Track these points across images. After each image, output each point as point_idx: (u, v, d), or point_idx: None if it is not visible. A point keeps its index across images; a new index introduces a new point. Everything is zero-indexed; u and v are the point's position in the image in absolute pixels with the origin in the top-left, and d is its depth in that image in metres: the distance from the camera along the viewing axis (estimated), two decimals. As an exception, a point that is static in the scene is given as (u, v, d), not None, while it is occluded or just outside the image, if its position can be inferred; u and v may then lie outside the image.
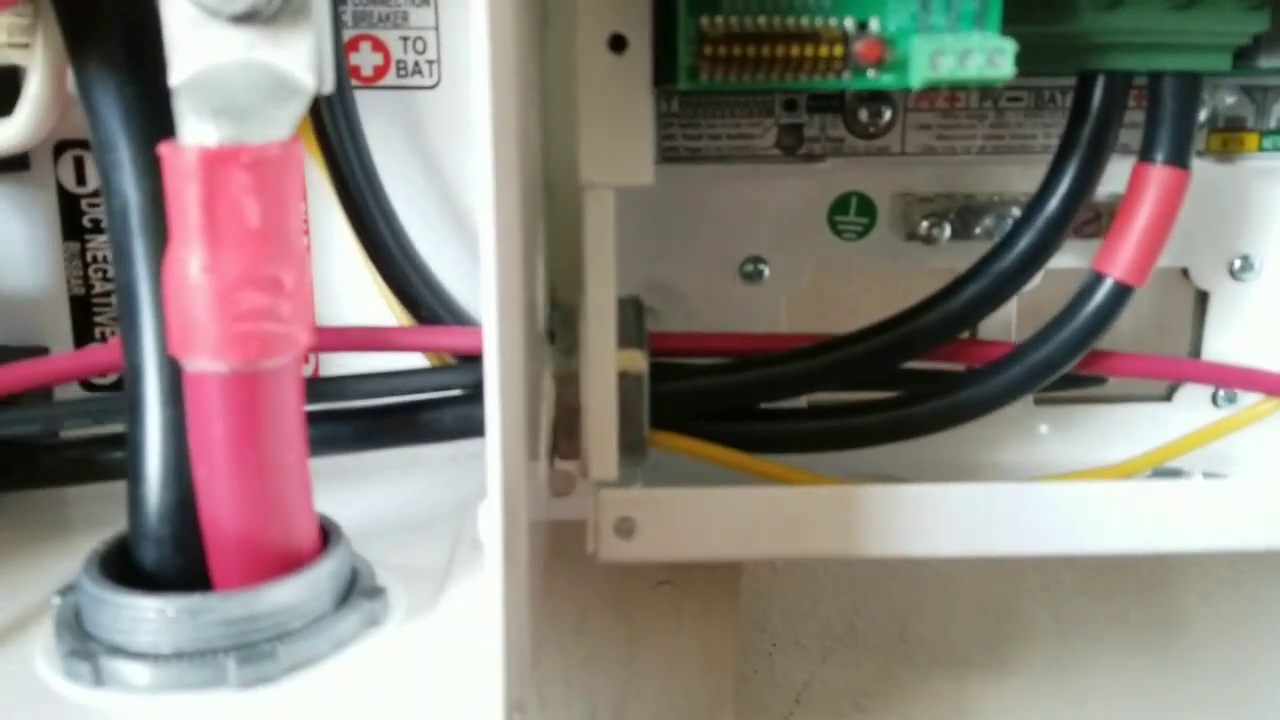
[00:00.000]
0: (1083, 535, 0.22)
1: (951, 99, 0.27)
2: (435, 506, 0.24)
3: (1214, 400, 0.28)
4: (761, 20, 0.19)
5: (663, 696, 0.33)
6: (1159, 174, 0.22)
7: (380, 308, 0.25)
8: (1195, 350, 0.29)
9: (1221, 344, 0.28)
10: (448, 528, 0.22)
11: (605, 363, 0.21)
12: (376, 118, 0.25)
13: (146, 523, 0.17)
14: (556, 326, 0.24)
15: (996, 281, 0.24)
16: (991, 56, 0.18)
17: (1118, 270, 0.23)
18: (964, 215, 0.26)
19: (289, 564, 0.17)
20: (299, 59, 0.15)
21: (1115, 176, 0.23)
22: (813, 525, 0.22)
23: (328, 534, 0.18)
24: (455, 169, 0.26)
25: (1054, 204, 0.23)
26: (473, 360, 0.23)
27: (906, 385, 0.25)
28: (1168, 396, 0.29)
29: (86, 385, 0.27)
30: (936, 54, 0.18)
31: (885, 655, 0.36)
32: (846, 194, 0.27)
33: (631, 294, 0.23)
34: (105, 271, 0.26)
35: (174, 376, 0.17)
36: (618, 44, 0.19)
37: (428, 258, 0.25)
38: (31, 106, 0.19)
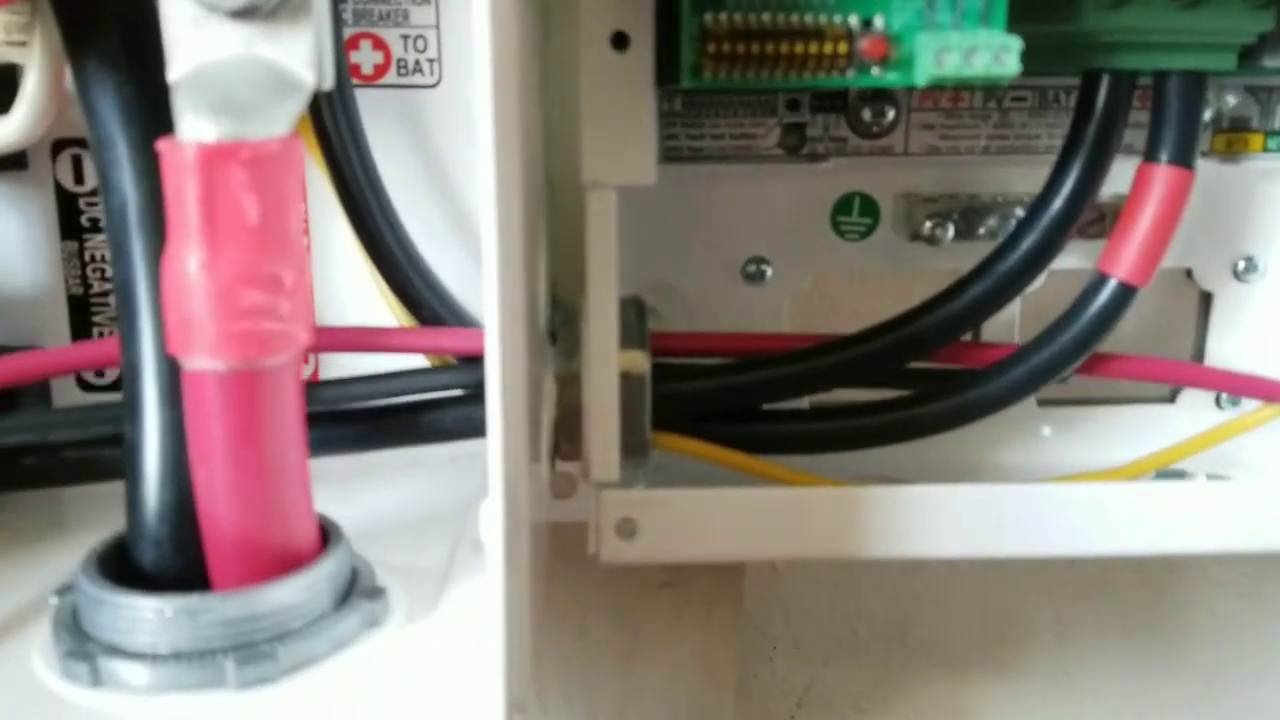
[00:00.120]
0: (1086, 537, 0.22)
1: (955, 99, 0.27)
2: (436, 507, 0.23)
3: (1217, 403, 0.28)
4: (766, 17, 0.19)
5: (663, 699, 0.33)
6: (1163, 174, 0.22)
7: (381, 308, 0.25)
8: (1199, 352, 0.28)
9: (1225, 345, 0.28)
10: (448, 528, 0.22)
11: (607, 363, 0.21)
12: (377, 116, 0.25)
13: (145, 522, 0.17)
14: (558, 327, 0.24)
15: (1000, 282, 0.24)
16: (997, 54, 0.18)
17: (1122, 271, 0.23)
18: (967, 216, 0.26)
19: (288, 564, 0.17)
20: (298, 55, 0.15)
21: (1119, 177, 0.23)
22: (815, 526, 0.22)
23: (327, 534, 0.18)
24: (456, 168, 0.26)
25: (1058, 204, 0.23)
26: (474, 360, 0.23)
27: (911, 384, 0.25)
28: (1171, 398, 0.29)
29: (83, 384, 0.27)
30: (942, 51, 0.18)
31: (887, 658, 0.36)
32: (849, 194, 0.27)
33: (633, 294, 0.23)
34: (103, 271, 0.26)
35: (173, 375, 0.16)
36: (620, 42, 0.19)
37: (429, 257, 0.25)
38: (29, 105, 0.19)
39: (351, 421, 0.23)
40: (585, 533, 0.21)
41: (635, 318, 0.22)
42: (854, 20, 0.19)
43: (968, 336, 0.25)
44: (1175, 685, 0.36)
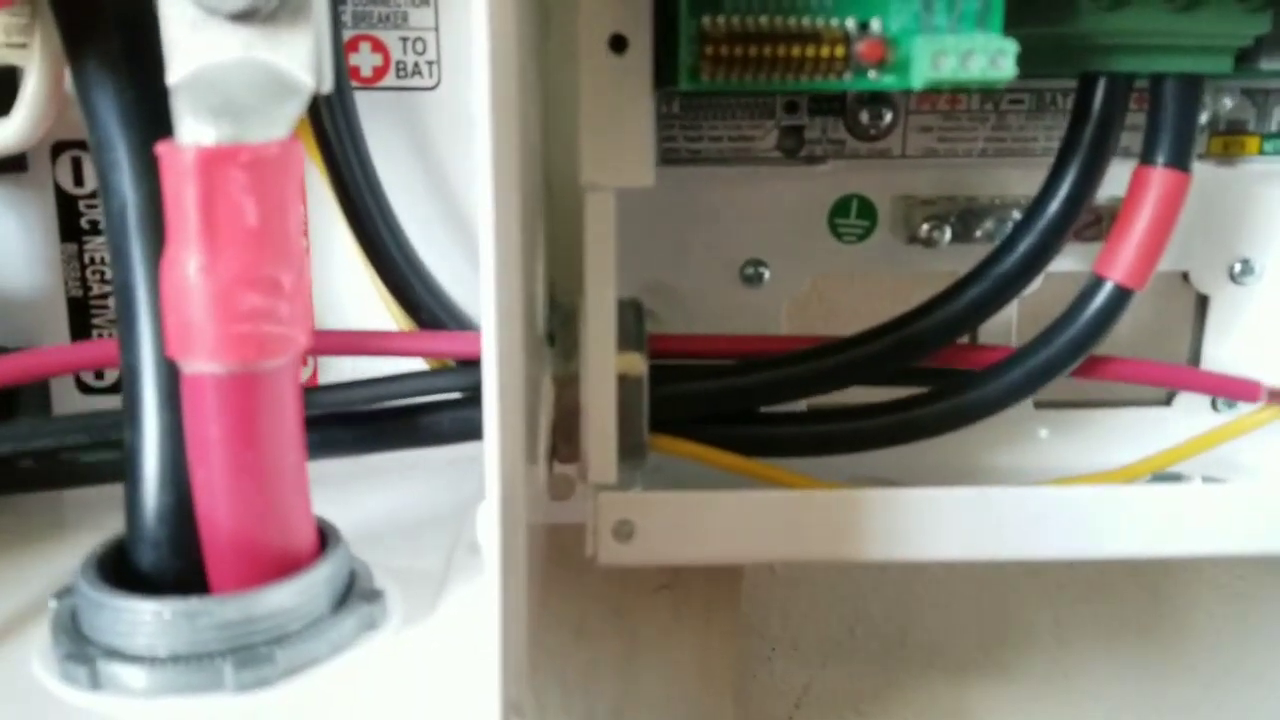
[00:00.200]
0: (1083, 539, 0.22)
1: (953, 101, 0.27)
2: (434, 510, 0.23)
3: (1214, 405, 0.28)
4: (763, 20, 0.19)
5: (661, 701, 0.33)
6: (1160, 177, 0.22)
7: (380, 311, 0.25)
8: (1195, 354, 0.28)
9: (1222, 348, 0.28)
10: (446, 531, 0.22)
11: (605, 365, 0.21)
12: (376, 119, 0.25)
13: (144, 525, 0.17)
14: (556, 329, 0.24)
15: (997, 284, 0.24)
16: (994, 57, 0.18)
17: (1118, 273, 0.23)
18: (965, 218, 0.26)
19: (286, 567, 0.17)
20: (297, 58, 0.15)
21: (1116, 179, 0.23)
22: (812, 529, 0.22)
23: (325, 537, 0.18)
24: (456, 170, 0.26)
25: (1055, 207, 0.23)
26: (472, 363, 0.23)
27: (911, 382, 0.25)
28: (1168, 401, 0.29)
29: (82, 386, 0.27)
30: (938, 54, 0.18)
31: (885, 660, 0.36)
32: (847, 196, 0.27)
33: (631, 296, 0.23)
34: (103, 273, 0.26)
35: (172, 378, 0.16)
36: (619, 44, 0.19)
37: (428, 260, 0.25)
38: (29, 107, 0.19)
39: (350, 424, 0.23)
40: (583, 534, 0.21)
41: (633, 320, 0.22)
42: (851, 23, 0.19)
43: (965, 339, 0.25)
44: (1173, 687, 0.36)
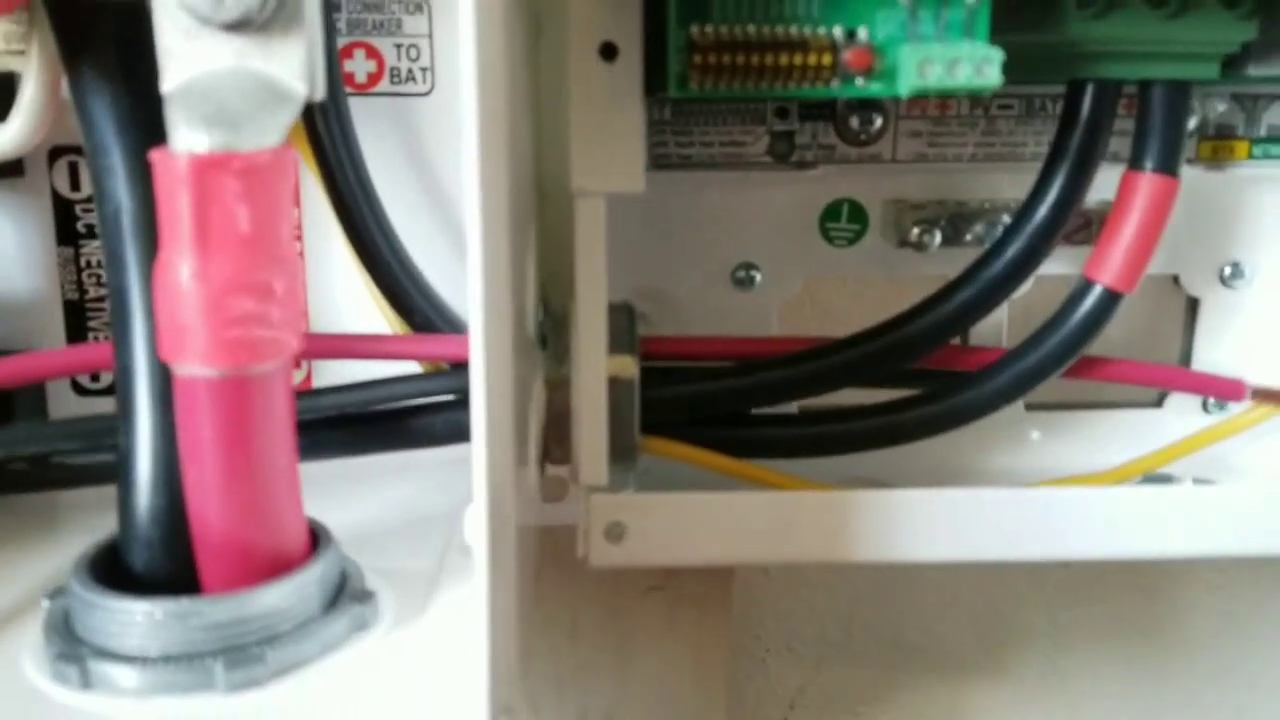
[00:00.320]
0: (1074, 541, 0.22)
1: (942, 107, 0.27)
2: (426, 511, 0.24)
3: (1204, 407, 0.28)
4: (751, 29, 0.19)
5: (655, 703, 0.33)
6: (1148, 182, 0.22)
7: (376, 315, 0.25)
8: (1186, 357, 0.29)
9: (1212, 351, 0.28)
10: (438, 532, 0.22)
11: (596, 368, 0.21)
12: (371, 125, 0.25)
13: (136, 526, 0.17)
14: (548, 332, 0.24)
15: (987, 288, 0.24)
16: (979, 66, 0.18)
17: (1107, 277, 0.23)
18: (955, 222, 0.26)
19: (278, 568, 0.17)
20: (290, 66, 0.15)
21: (1105, 184, 0.23)
22: (804, 530, 0.22)
23: (317, 538, 0.18)
24: (449, 176, 0.26)
25: (1044, 211, 0.23)
26: (465, 366, 0.23)
27: (902, 383, 0.25)
28: (1158, 403, 0.29)
29: (78, 388, 0.27)
30: (924, 63, 0.18)
31: (880, 661, 0.36)
32: (838, 201, 0.27)
33: (623, 300, 0.23)
34: (99, 277, 0.26)
35: (165, 381, 0.17)
36: (609, 52, 0.19)
37: (422, 264, 0.25)
38: (26, 113, 0.19)
39: (343, 426, 0.23)
40: (576, 536, 0.22)
41: (625, 323, 0.22)
42: (838, 32, 0.19)
43: (956, 341, 0.25)
44: (1169, 687, 0.36)
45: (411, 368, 0.25)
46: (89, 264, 0.26)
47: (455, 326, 0.25)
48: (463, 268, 0.27)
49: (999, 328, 0.27)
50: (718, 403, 0.24)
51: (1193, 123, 0.27)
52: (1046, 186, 0.23)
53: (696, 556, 0.22)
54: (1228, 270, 0.28)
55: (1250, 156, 0.27)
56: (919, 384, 0.25)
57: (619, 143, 0.20)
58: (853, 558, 0.22)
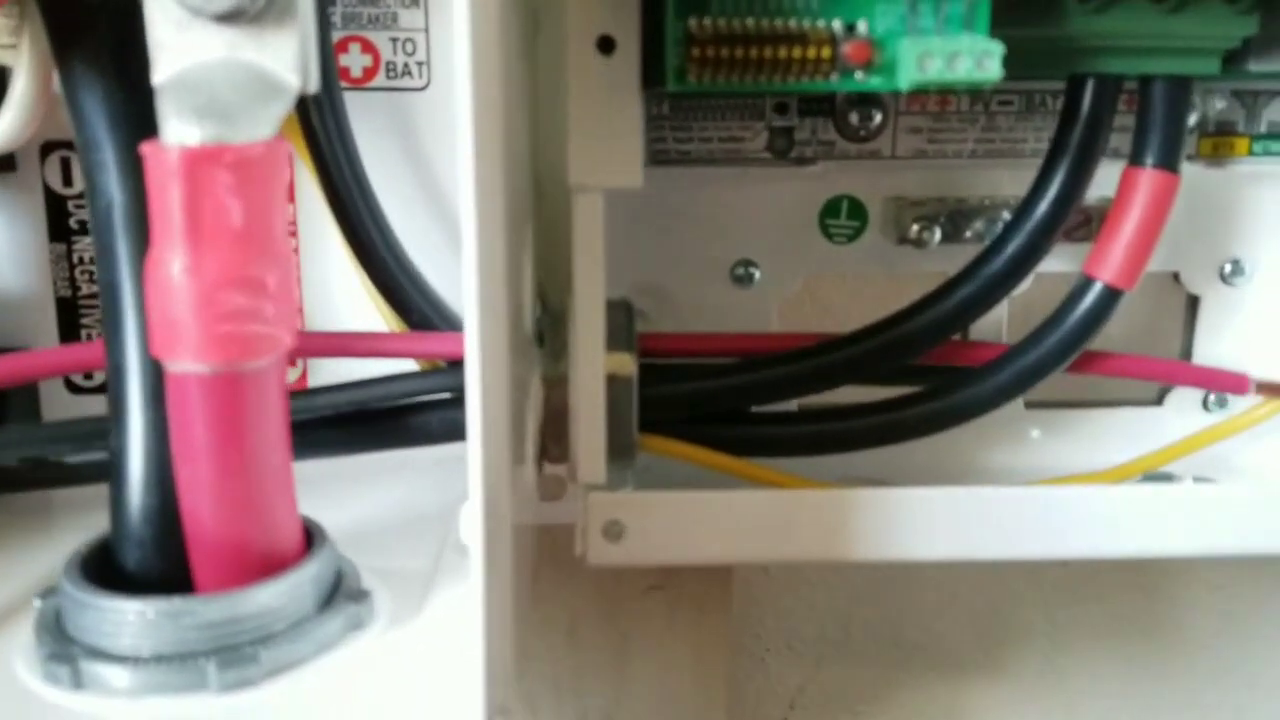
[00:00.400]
0: (1073, 539, 0.22)
1: (942, 102, 0.27)
2: (422, 510, 0.23)
3: (1205, 405, 0.28)
4: (749, 22, 0.19)
5: (654, 703, 0.33)
6: (1149, 178, 0.22)
7: (372, 312, 0.25)
8: (1186, 354, 0.29)
9: (1212, 348, 0.28)
10: (434, 531, 0.22)
11: (593, 366, 0.21)
12: (366, 119, 0.25)
13: (129, 524, 0.17)
14: (546, 329, 0.24)
15: (987, 284, 0.24)
16: (979, 59, 0.18)
17: (1107, 274, 0.23)
18: (954, 219, 0.26)
19: (272, 567, 0.17)
20: (283, 58, 0.15)
21: (1106, 180, 0.23)
22: (803, 529, 0.22)
23: (312, 537, 0.18)
24: (445, 171, 0.26)
25: (1044, 208, 0.23)
26: (462, 363, 0.23)
27: (902, 381, 0.25)
28: (1158, 401, 0.29)
29: (71, 386, 0.27)
30: (924, 56, 0.18)
31: (880, 660, 0.36)
32: (837, 197, 0.27)
33: (621, 297, 0.23)
34: (92, 273, 0.26)
35: (157, 378, 0.16)
36: (606, 45, 0.19)
37: (419, 261, 0.25)
38: (17, 107, 0.19)
39: (338, 424, 0.23)
40: (574, 535, 0.21)
41: (623, 320, 0.22)
42: (837, 25, 0.19)
43: (956, 338, 0.25)
44: (1169, 687, 0.36)
45: (408, 365, 0.24)
46: (82, 260, 0.26)
47: (452, 324, 0.24)
48: (458, 264, 0.27)
49: (999, 325, 0.27)
50: (717, 400, 0.24)
51: (1193, 119, 0.26)
52: (1046, 183, 0.23)
53: (696, 555, 0.22)
54: (1228, 267, 0.27)
55: (1251, 153, 0.27)
56: (920, 380, 0.25)
57: (617, 137, 0.19)
58: (852, 557, 0.22)
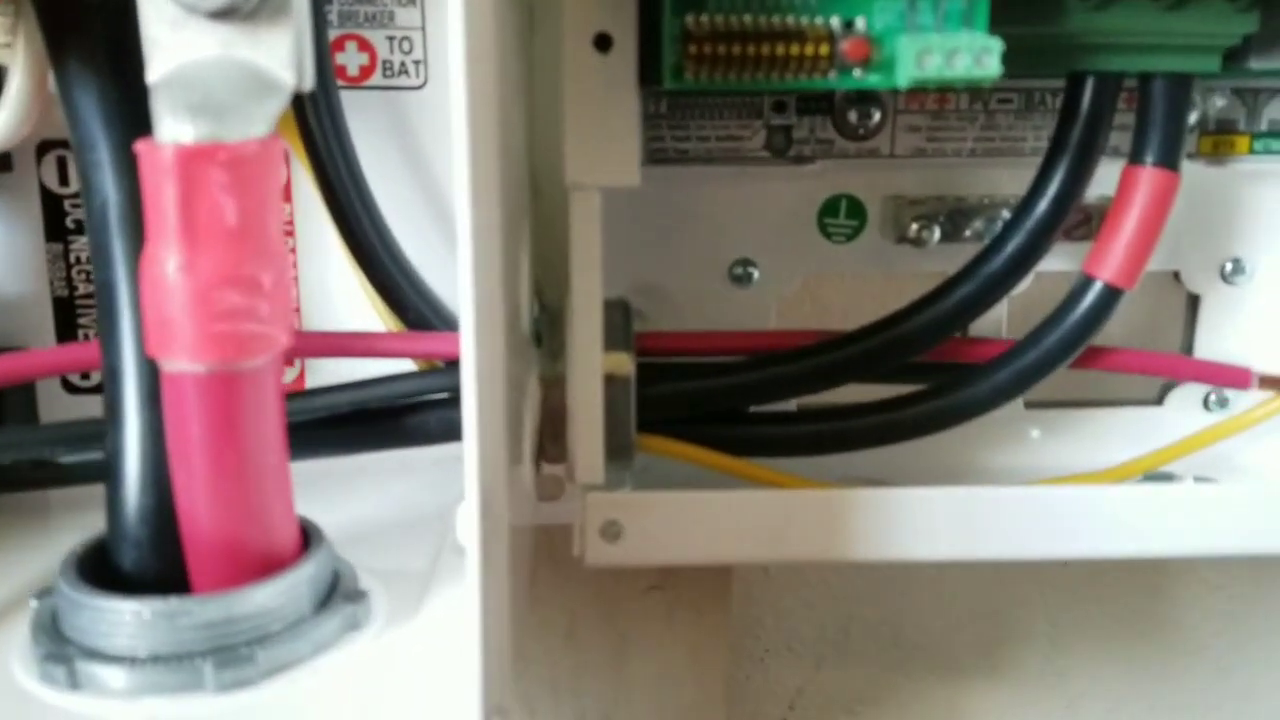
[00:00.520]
0: (1074, 539, 0.22)
1: (941, 101, 0.27)
2: (420, 510, 0.23)
3: (1205, 404, 0.28)
4: (747, 19, 0.19)
5: (653, 703, 0.33)
6: (1149, 176, 0.22)
7: (369, 311, 0.25)
8: (1187, 353, 0.28)
9: (1213, 348, 0.28)
10: (432, 531, 0.22)
11: (591, 365, 0.20)
12: (362, 118, 0.25)
13: (125, 525, 0.17)
14: (543, 328, 0.24)
15: (986, 284, 0.24)
16: (979, 56, 0.18)
17: (1107, 273, 0.23)
18: (954, 218, 0.26)
19: (268, 567, 0.17)
20: (277, 56, 0.15)
21: (1105, 179, 0.23)
22: (802, 529, 0.22)
23: (309, 537, 0.18)
24: (442, 170, 0.26)
25: (1043, 206, 0.23)
26: (458, 363, 0.23)
27: (903, 379, 0.25)
28: (1159, 400, 0.29)
29: (68, 386, 0.27)
30: (923, 53, 0.18)
31: (879, 660, 0.36)
32: (836, 196, 0.27)
33: (619, 296, 0.23)
34: (88, 273, 0.26)
35: (153, 377, 0.16)
36: (603, 43, 0.19)
37: (415, 260, 0.25)
38: (13, 106, 0.19)
39: (336, 424, 0.23)
40: (572, 535, 0.21)
41: (620, 320, 0.22)
42: (835, 22, 0.19)
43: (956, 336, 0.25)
44: (1170, 687, 0.36)
45: (406, 365, 0.24)
46: (78, 260, 0.26)
47: (450, 323, 0.24)
48: (455, 263, 0.27)
49: (999, 324, 0.27)
50: (715, 400, 0.24)
51: (1193, 118, 0.26)
52: (1046, 181, 0.23)
53: (694, 555, 0.22)
54: (1228, 266, 0.27)
55: (1251, 151, 0.27)
56: (921, 377, 0.25)
57: (614, 136, 0.19)
58: (851, 556, 0.22)
